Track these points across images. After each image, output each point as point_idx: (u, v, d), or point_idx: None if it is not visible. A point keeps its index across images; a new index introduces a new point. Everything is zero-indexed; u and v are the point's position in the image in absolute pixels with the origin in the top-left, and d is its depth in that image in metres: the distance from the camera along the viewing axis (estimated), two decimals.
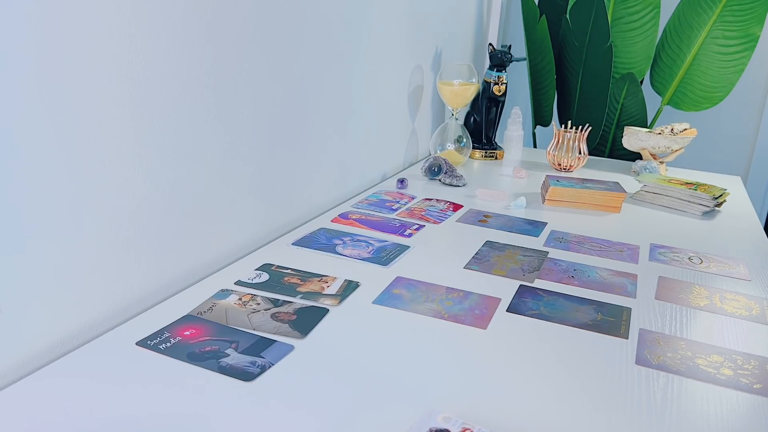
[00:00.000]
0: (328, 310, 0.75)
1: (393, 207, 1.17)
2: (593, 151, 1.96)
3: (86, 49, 0.61)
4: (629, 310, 0.79)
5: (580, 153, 1.50)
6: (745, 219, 1.24)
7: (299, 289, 0.80)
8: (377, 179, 1.37)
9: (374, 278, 0.84)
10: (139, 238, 0.72)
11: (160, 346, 0.64)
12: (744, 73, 1.85)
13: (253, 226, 0.94)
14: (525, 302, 0.80)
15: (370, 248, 0.95)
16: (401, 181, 1.31)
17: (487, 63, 1.70)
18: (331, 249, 0.94)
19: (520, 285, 0.85)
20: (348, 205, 1.17)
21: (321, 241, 0.97)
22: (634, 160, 1.68)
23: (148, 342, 0.65)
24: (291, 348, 0.66)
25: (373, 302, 0.78)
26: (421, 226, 1.07)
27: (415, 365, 0.64)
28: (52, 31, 0.57)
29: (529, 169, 1.54)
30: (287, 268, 0.86)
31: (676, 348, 0.70)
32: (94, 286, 0.67)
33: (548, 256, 0.96)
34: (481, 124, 1.64)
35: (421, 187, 1.33)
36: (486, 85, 1.59)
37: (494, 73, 1.58)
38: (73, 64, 0.60)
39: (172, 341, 0.66)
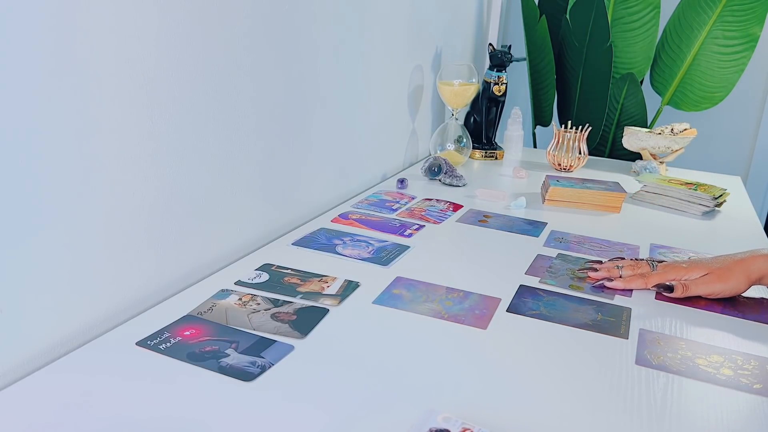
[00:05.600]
0: (328, 310, 0.75)
1: (393, 207, 1.17)
2: (593, 151, 1.96)
3: (87, 49, 0.61)
4: (629, 310, 0.79)
5: (580, 153, 1.50)
6: (745, 219, 1.24)
7: (299, 289, 0.80)
8: (377, 179, 1.37)
9: (374, 278, 0.84)
10: (139, 238, 0.72)
11: (160, 346, 0.64)
12: (744, 73, 1.85)
13: (253, 226, 0.94)
14: (525, 302, 0.80)
15: (370, 248, 0.95)
16: (401, 181, 1.31)
17: (487, 63, 1.70)
18: (331, 249, 0.94)
19: (520, 285, 0.85)
20: (348, 205, 1.17)
21: (321, 241, 0.97)
22: (634, 160, 1.68)
23: (148, 342, 0.65)
24: (291, 348, 0.66)
25: (373, 302, 0.78)
26: (421, 226, 1.07)
27: (415, 365, 0.64)
28: (55, 30, 0.57)
29: (529, 169, 1.54)
30: (287, 268, 0.86)
31: (676, 348, 0.70)
32: (94, 286, 0.67)
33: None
34: (481, 124, 1.64)
35: (421, 187, 1.33)
36: (486, 85, 1.59)
37: (494, 73, 1.58)
38: (74, 64, 0.60)
39: (172, 341, 0.66)
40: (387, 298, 0.79)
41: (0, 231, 0.56)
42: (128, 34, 0.65)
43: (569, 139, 1.49)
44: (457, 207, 1.20)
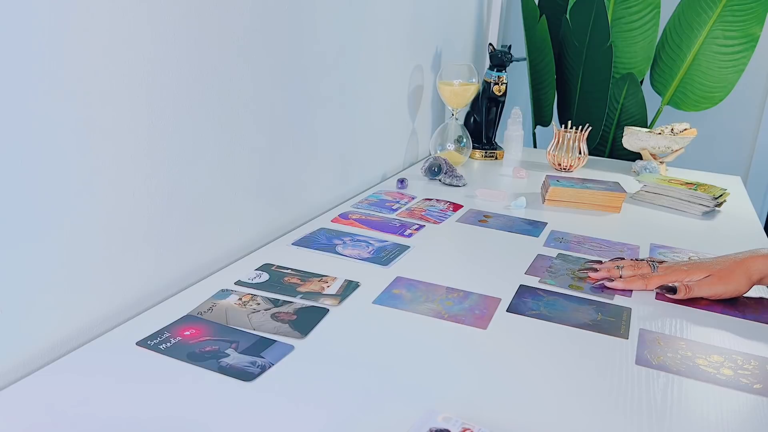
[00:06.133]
0: (328, 310, 0.75)
1: (393, 207, 1.17)
2: (593, 151, 1.96)
3: (87, 50, 0.61)
4: (629, 310, 0.79)
5: (580, 153, 1.50)
6: (745, 219, 1.24)
7: (299, 289, 0.80)
8: (377, 179, 1.37)
9: (374, 278, 0.84)
10: (139, 238, 0.72)
11: (160, 346, 0.64)
12: (744, 73, 1.85)
13: (253, 226, 0.94)
14: (525, 302, 0.80)
15: (370, 248, 0.95)
16: (401, 181, 1.31)
17: (487, 63, 1.70)
18: (331, 249, 0.94)
19: (520, 285, 0.85)
20: (348, 205, 1.17)
21: (321, 241, 0.97)
22: (634, 160, 1.68)
23: (148, 342, 0.65)
24: (291, 348, 0.66)
25: (373, 302, 0.78)
26: (421, 226, 1.07)
27: (415, 365, 0.64)
28: (53, 30, 0.57)
29: (529, 169, 1.54)
30: (287, 268, 0.86)
31: (676, 348, 0.70)
32: (94, 287, 0.67)
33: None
34: (481, 124, 1.64)
35: (421, 187, 1.33)
36: (486, 85, 1.59)
37: (494, 73, 1.58)
38: (73, 64, 0.60)
39: (172, 341, 0.66)
40: (387, 298, 0.79)
41: (0, 231, 0.56)
42: (128, 34, 0.65)
43: (569, 139, 1.49)
44: (457, 207, 1.20)
